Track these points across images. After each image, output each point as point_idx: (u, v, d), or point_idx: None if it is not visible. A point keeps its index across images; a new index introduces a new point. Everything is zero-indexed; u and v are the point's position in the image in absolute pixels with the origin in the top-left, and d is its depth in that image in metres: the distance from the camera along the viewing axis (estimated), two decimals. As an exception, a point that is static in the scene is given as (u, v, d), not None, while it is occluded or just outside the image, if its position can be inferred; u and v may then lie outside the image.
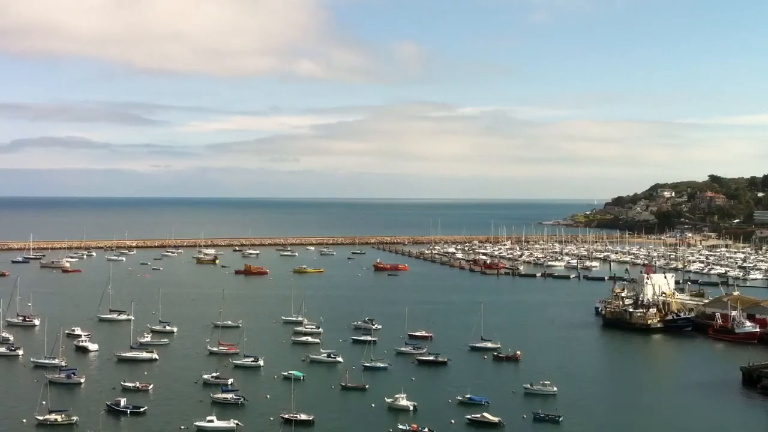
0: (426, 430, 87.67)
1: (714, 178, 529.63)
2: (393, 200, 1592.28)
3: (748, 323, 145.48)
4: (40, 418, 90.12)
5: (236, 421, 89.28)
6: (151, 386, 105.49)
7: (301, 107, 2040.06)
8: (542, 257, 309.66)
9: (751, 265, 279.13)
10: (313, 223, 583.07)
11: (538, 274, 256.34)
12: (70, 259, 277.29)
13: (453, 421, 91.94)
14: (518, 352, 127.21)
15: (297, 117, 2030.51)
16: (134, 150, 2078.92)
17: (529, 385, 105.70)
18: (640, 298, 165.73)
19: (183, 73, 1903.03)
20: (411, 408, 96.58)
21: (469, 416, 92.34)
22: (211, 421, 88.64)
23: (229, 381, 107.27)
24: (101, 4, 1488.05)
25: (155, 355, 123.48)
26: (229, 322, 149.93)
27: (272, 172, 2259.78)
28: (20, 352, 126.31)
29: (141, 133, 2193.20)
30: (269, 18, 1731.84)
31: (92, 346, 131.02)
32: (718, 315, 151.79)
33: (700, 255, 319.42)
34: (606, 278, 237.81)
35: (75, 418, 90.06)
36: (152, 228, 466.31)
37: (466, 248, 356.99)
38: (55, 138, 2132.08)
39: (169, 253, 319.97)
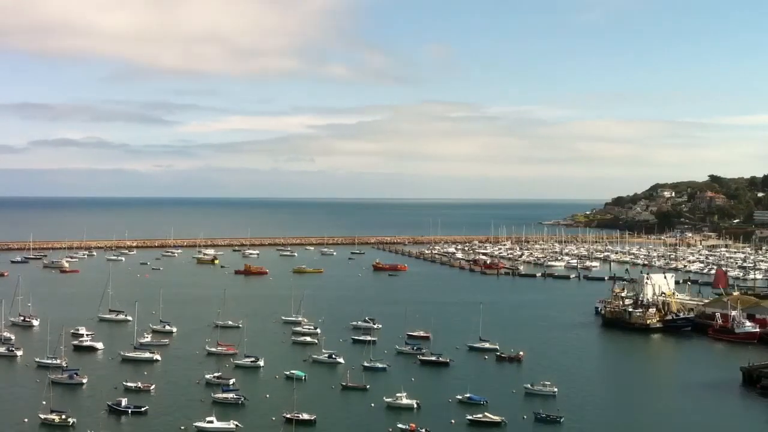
0: (423, 430, 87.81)
1: (714, 178, 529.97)
2: (407, 200, 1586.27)
3: (748, 323, 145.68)
4: (43, 416, 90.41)
5: (236, 422, 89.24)
6: (152, 386, 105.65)
7: (322, 107, 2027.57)
8: (542, 257, 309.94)
9: (751, 265, 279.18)
10: (314, 223, 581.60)
11: (538, 274, 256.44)
12: (69, 260, 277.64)
13: (453, 421, 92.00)
14: (521, 353, 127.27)
15: (316, 117, 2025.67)
16: (150, 150, 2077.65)
17: (530, 386, 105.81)
18: (640, 298, 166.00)
19: (207, 72, 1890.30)
20: (415, 406, 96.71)
21: (470, 416, 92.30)
22: (211, 422, 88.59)
23: (231, 381, 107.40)
24: (128, 2, 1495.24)
25: (158, 356, 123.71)
26: (230, 323, 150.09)
27: (285, 172, 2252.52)
28: (19, 352, 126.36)
29: (159, 133, 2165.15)
30: (295, 20, 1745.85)
31: (98, 345, 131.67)
32: (718, 315, 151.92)
33: (700, 255, 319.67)
34: (606, 278, 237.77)
35: (71, 420, 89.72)
36: (152, 228, 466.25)
37: (466, 248, 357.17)
38: (70, 139, 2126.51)
39: (169, 253, 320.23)
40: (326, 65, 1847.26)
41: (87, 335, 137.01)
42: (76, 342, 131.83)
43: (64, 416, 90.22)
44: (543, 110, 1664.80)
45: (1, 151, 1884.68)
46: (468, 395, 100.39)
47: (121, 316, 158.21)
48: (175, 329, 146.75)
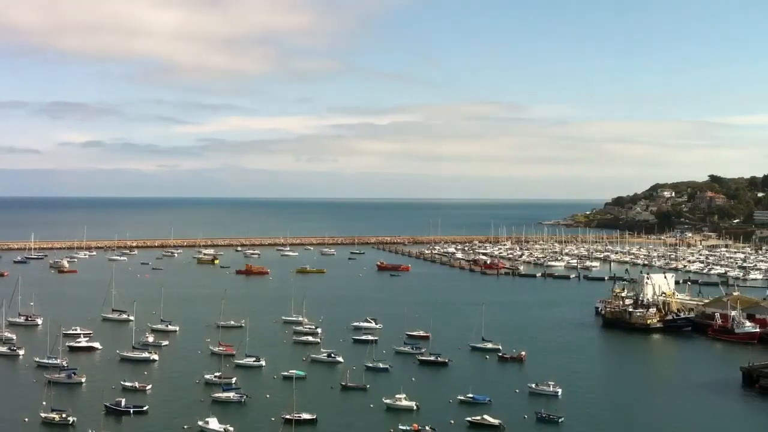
0: (428, 428, 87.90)
1: (714, 178, 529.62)
2: (423, 201, 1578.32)
3: (748, 323, 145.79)
4: (44, 415, 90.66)
5: (230, 427, 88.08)
6: (149, 386, 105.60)
7: (354, 108, 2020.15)
8: (542, 257, 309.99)
9: (751, 265, 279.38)
10: (321, 223, 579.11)
11: (538, 274, 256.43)
12: (70, 260, 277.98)
13: (453, 422, 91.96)
14: (523, 353, 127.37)
15: (347, 117, 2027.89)
16: (177, 151, 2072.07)
17: (533, 386, 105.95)
18: (640, 298, 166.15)
19: (245, 72, 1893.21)
20: (415, 407, 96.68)
21: (469, 418, 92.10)
22: (207, 423, 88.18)
23: (233, 380, 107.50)
24: (175, 2, 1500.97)
25: (156, 356, 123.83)
26: (233, 322, 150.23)
27: (305, 172, 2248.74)
28: (21, 352, 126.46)
29: (188, 134, 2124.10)
30: (335, 22, 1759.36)
31: (96, 345, 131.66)
32: (717, 315, 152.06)
33: (700, 255, 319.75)
34: (606, 278, 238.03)
35: (71, 419, 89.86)
36: (154, 228, 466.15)
37: (466, 248, 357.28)
38: (96, 141, 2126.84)
39: (169, 253, 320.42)
40: (363, 67, 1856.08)
41: (84, 335, 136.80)
42: (72, 343, 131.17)
43: (64, 415, 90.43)
44: (558, 110, 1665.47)
45: (27, 151, 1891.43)
46: (471, 395, 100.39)
47: (124, 316, 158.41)
48: (176, 329, 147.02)
